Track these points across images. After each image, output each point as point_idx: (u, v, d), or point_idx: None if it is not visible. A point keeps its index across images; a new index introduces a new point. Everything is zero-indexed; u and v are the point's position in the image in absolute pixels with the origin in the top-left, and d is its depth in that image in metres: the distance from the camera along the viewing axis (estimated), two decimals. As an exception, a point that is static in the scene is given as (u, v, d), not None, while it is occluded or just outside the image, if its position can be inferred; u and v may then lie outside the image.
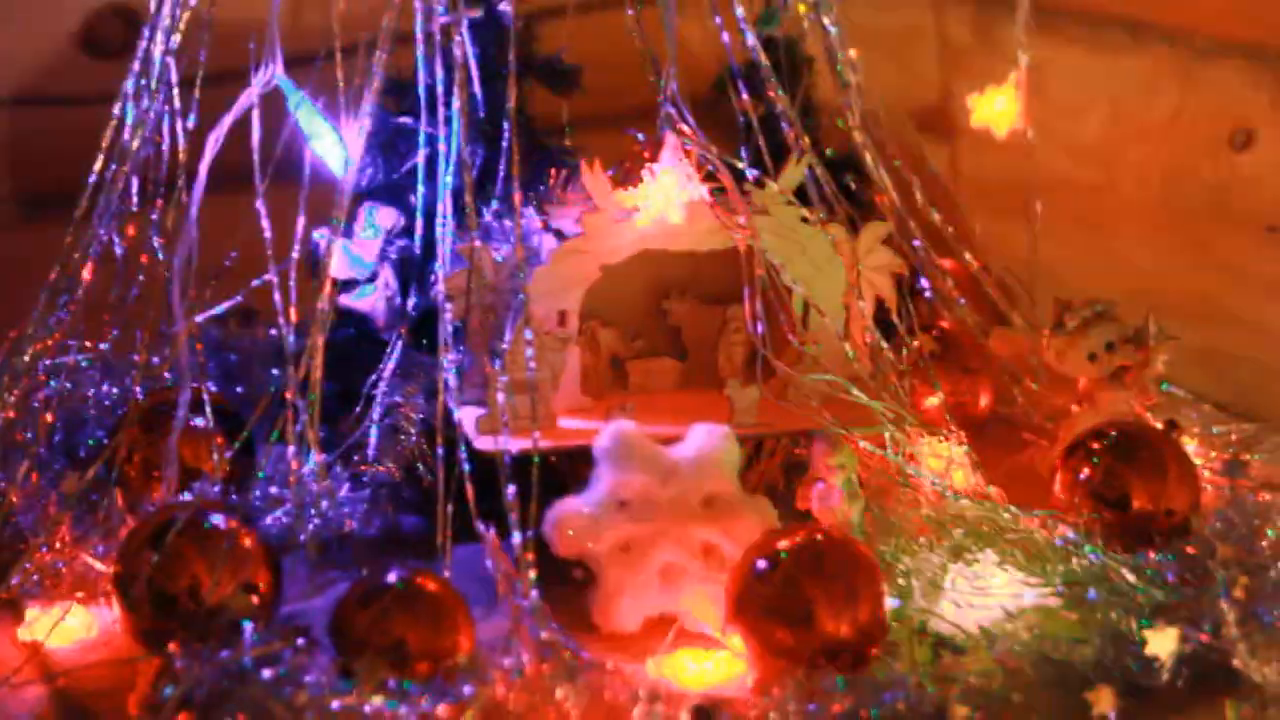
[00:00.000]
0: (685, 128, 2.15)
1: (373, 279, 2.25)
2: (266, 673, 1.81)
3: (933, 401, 2.41)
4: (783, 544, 1.96)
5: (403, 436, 2.18)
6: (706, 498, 2.06)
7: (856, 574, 1.95)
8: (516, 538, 1.95)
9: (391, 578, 1.91)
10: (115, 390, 2.28)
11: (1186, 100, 2.85)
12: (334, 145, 2.13)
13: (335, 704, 1.75)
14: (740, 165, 2.18)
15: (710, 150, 2.14)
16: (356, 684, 1.79)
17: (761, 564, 1.95)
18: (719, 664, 1.99)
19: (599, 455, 2.05)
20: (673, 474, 2.05)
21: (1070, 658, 1.96)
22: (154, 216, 2.15)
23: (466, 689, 1.78)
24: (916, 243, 2.47)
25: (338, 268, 2.21)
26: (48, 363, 2.20)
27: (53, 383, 2.19)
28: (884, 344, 2.27)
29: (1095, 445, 2.20)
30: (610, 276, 2.22)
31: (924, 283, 2.50)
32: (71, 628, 2.04)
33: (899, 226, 2.46)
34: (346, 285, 2.26)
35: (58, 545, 2.11)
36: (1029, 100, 3.05)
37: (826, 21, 2.46)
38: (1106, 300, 2.37)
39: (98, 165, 2.13)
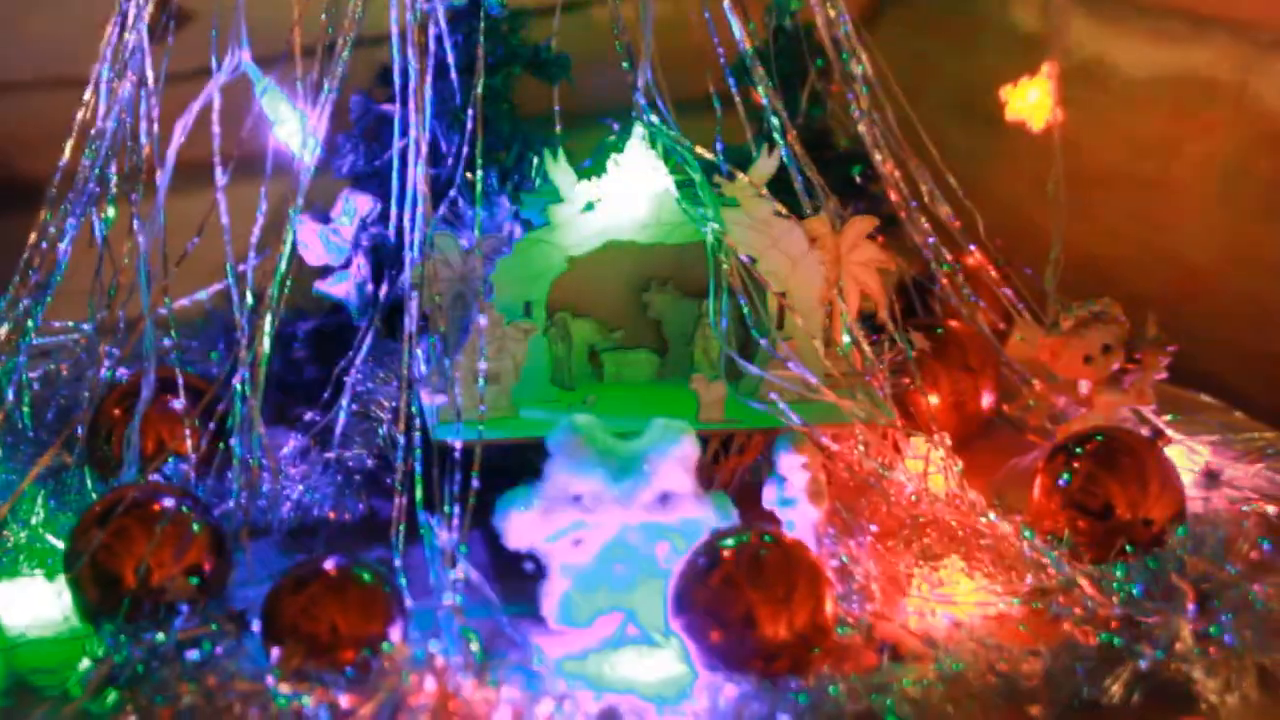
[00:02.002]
0: (654, 118, 2.11)
1: (347, 265, 2.25)
2: (191, 655, 1.84)
3: (931, 400, 2.37)
4: (726, 544, 1.93)
5: (373, 423, 2.18)
6: (662, 494, 2.03)
7: (797, 578, 1.91)
8: (450, 530, 1.94)
9: (328, 565, 1.91)
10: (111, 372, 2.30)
11: (1247, 94, 2.76)
12: (299, 131, 2.13)
13: (245, 688, 1.76)
14: (711, 157, 2.15)
15: (680, 142, 2.11)
16: (271, 669, 1.80)
17: (701, 563, 1.93)
18: (663, 663, 1.97)
19: (552, 448, 2.03)
20: (626, 469, 2.03)
21: (1018, 670, 1.91)
22: (134, 198, 2.16)
23: (377, 680, 1.77)
24: (931, 240, 2.41)
25: (312, 254, 2.22)
26: (37, 342, 2.24)
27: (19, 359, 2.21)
28: (863, 342, 2.21)
29: (1077, 450, 2.14)
30: (592, 267, 2.20)
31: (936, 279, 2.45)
32: (33, 602, 2.07)
33: (909, 221, 2.41)
34: (324, 272, 2.27)
35: (33, 521, 2.15)
36: (1089, 91, 2.99)
37: (832, 12, 2.39)
38: (1105, 301, 2.29)
39: (68, 149, 2.15)
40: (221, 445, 2.09)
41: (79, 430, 2.20)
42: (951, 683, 1.88)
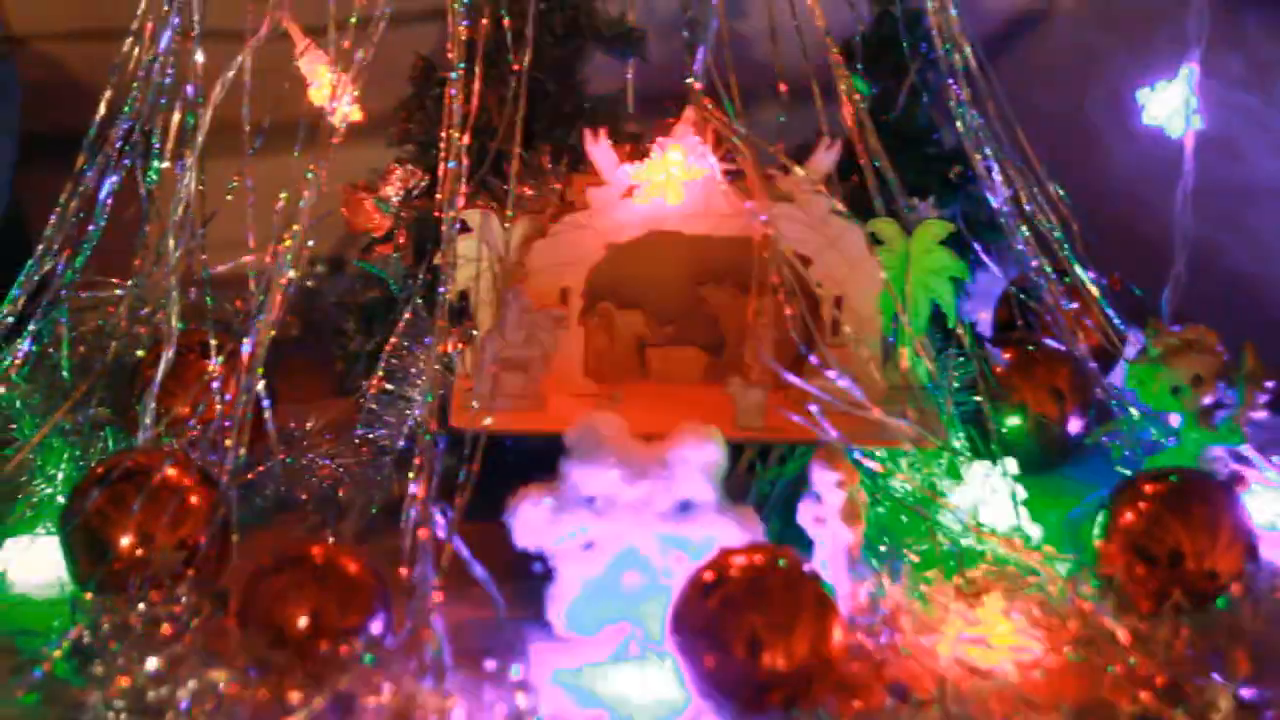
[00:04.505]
0: (709, 103, 1.98)
1: (389, 239, 2.17)
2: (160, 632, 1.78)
3: (1012, 421, 2.22)
4: (732, 562, 1.80)
5: (407, 403, 2.10)
6: (682, 503, 1.91)
7: (803, 606, 1.77)
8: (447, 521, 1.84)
9: (314, 551, 1.84)
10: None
11: None
12: (335, 93, 2.04)
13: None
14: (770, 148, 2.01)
15: (733, 129, 1.98)
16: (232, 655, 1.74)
17: (702, 581, 1.80)
18: (660, 682, 1.85)
19: (569, 445, 1.93)
20: (645, 473, 1.91)
21: (1030, 726, 1.75)
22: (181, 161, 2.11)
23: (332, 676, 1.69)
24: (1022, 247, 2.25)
25: (355, 223, 2.15)
26: (84, 295, 2.20)
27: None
28: (927, 356, 2.05)
29: (1146, 490, 1.96)
30: (647, 257, 2.09)
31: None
32: (40, 562, 2.03)
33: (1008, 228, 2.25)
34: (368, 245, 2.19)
35: (59, 478, 2.12)
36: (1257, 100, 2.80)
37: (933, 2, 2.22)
38: (1200, 328, 2.10)
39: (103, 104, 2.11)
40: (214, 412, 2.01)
41: (112, 386, 2.17)
42: (956, 734, 1.74)
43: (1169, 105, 2.42)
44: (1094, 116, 3.14)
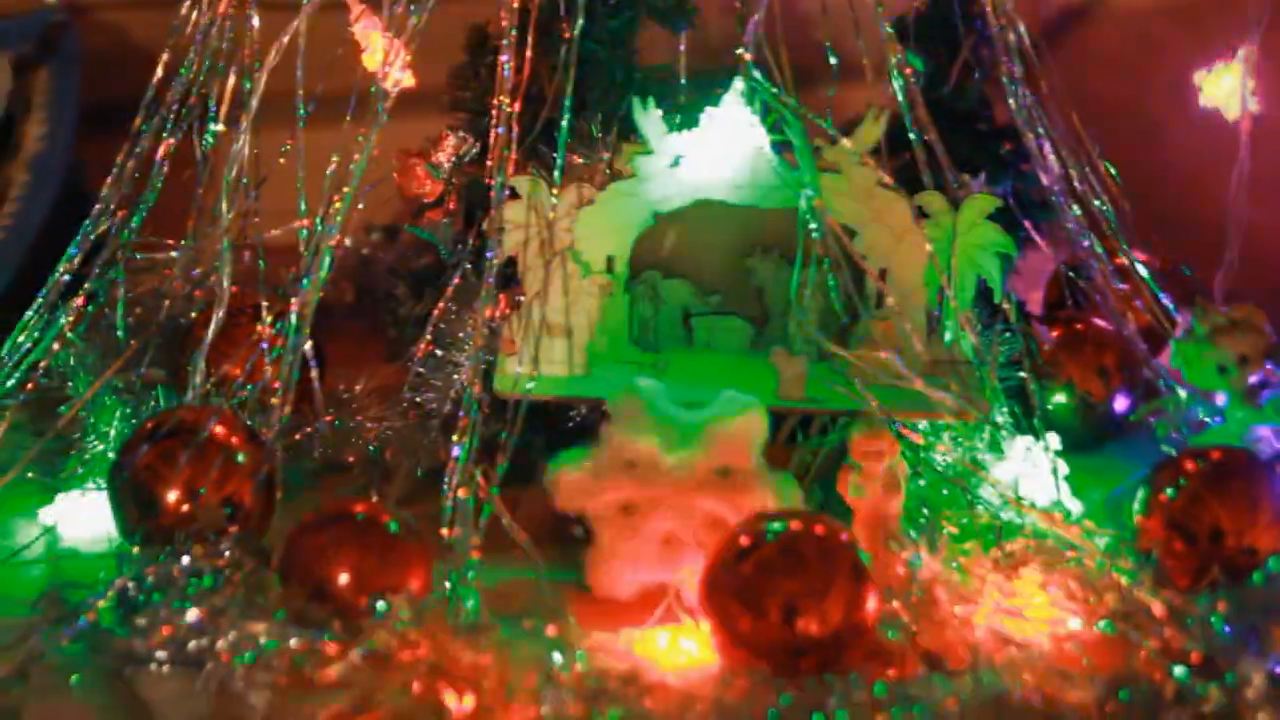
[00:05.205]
0: (757, 73, 1.99)
1: (440, 203, 2.19)
2: (200, 585, 1.81)
3: (1057, 399, 2.22)
4: (768, 527, 1.81)
5: (454, 368, 2.12)
6: (721, 469, 1.93)
7: (838, 572, 1.78)
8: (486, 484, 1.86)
9: (355, 509, 1.86)
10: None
11: None
12: (388, 59, 2.06)
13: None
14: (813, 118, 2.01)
15: (781, 99, 1.98)
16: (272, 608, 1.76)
17: (737, 545, 1.81)
18: (693, 645, 1.86)
19: (611, 411, 1.94)
20: (685, 440, 1.93)
21: (1065, 698, 1.75)
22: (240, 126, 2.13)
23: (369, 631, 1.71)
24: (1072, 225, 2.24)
25: (407, 189, 2.17)
26: (138, 257, 2.23)
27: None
28: (969, 330, 2.05)
29: (1186, 467, 1.96)
30: (694, 227, 2.11)
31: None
32: (90, 517, 2.06)
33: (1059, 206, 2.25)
34: (418, 210, 2.22)
35: (111, 435, 2.15)
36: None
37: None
38: (1248, 308, 2.10)
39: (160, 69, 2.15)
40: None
41: (165, 346, 2.20)
42: (989, 703, 1.74)
43: (1226, 88, 2.40)
44: (1150, 100, 3.12)
